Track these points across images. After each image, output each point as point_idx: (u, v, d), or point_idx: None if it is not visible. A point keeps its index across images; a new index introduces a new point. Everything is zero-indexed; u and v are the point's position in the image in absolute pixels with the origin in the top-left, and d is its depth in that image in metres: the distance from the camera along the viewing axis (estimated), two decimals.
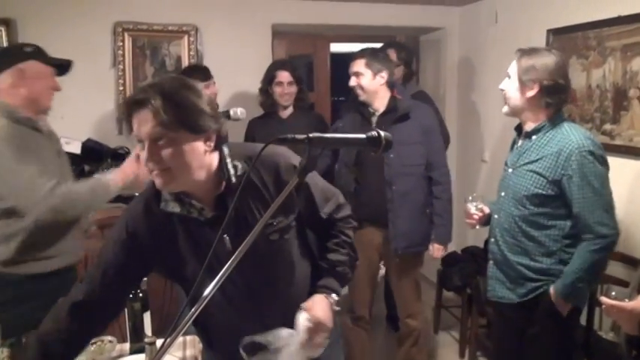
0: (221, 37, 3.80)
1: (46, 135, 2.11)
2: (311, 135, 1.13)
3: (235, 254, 1.06)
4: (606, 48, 2.82)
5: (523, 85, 2.03)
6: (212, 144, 1.34)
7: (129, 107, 1.27)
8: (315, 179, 1.52)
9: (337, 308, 1.49)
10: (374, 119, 2.75)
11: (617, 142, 2.76)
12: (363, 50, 2.79)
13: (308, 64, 4.67)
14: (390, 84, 2.76)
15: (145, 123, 1.25)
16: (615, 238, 2.00)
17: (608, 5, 2.79)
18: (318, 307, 1.43)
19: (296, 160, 1.43)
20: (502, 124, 3.69)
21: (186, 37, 3.76)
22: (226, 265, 1.05)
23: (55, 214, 1.93)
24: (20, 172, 1.87)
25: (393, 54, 3.48)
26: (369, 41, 4.07)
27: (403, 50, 3.69)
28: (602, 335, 1.71)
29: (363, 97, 2.73)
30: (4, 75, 1.99)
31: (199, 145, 1.31)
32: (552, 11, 3.22)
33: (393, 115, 2.71)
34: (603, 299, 1.53)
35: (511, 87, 2.07)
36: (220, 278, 1.05)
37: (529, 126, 2.09)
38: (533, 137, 2.07)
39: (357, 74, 2.71)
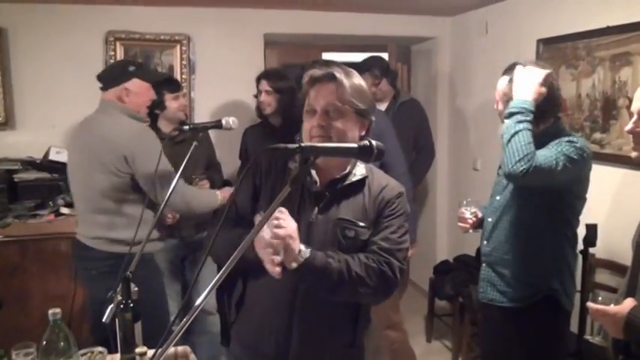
0: (213, 46, 3.81)
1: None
2: (303, 144, 1.13)
3: (239, 248, 1.08)
4: (595, 58, 2.85)
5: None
6: (363, 134, 1.53)
7: (315, 79, 1.51)
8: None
9: (298, 260, 1.41)
10: None
11: (607, 150, 2.78)
12: (327, 62, 2.79)
13: (300, 73, 4.68)
14: None
15: (327, 94, 1.49)
16: None
17: (597, 16, 2.82)
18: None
19: (401, 187, 1.62)
20: (494, 133, 3.71)
21: (178, 47, 3.77)
22: (229, 261, 1.07)
23: (185, 206, 2.41)
24: (155, 162, 2.08)
25: (368, 78, 3.46)
26: (360, 51, 4.11)
27: (378, 69, 3.64)
28: (589, 339, 1.74)
29: None
30: (110, 91, 2.40)
31: (356, 129, 1.52)
32: (542, 22, 3.26)
33: None
34: (589, 304, 1.56)
35: (501, 109, 2.10)
36: (215, 283, 1.06)
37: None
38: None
39: None
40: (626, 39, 2.66)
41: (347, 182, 1.56)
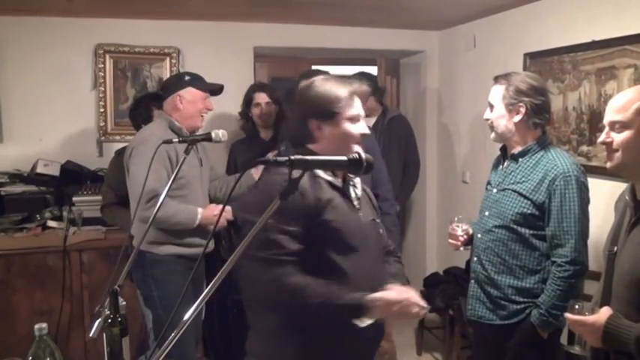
0: (203, 59, 3.80)
1: (195, 146, 2.48)
2: (292, 157, 1.13)
3: (234, 253, 1.10)
4: (581, 72, 2.89)
5: (510, 111, 2.06)
6: None
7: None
8: None
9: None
10: None
11: (594, 163, 2.81)
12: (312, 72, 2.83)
13: (290, 86, 4.70)
14: None
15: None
16: (585, 267, 2.04)
17: (583, 30, 2.86)
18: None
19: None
20: (482, 146, 3.74)
21: (168, 60, 3.77)
22: (225, 265, 1.08)
23: (145, 216, 2.32)
24: (142, 171, 2.19)
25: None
26: (350, 64, 4.13)
27: (367, 82, 3.62)
28: (569, 350, 1.75)
29: None
30: (169, 99, 2.57)
31: None
32: (529, 36, 3.30)
33: None
34: (567, 315, 1.59)
35: (496, 115, 2.09)
36: (209, 291, 1.04)
37: (516, 149, 2.12)
38: (520, 159, 2.10)
39: None
40: (610, 53, 2.70)
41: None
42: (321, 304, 1.49)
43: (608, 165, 1.65)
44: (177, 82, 2.60)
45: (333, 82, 1.67)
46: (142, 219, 2.36)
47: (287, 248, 1.50)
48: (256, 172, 2.84)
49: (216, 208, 2.58)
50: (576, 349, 1.70)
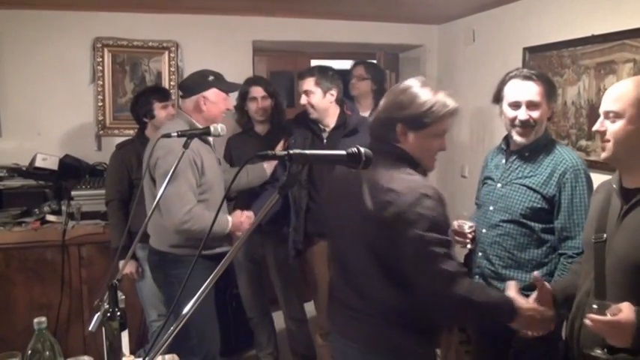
0: (202, 53, 3.80)
1: (212, 147, 2.59)
2: (291, 151, 1.13)
3: (228, 254, 1.12)
4: (580, 66, 2.89)
5: (548, 109, 2.09)
6: None
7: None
8: None
9: None
10: (324, 135, 2.82)
11: (592, 157, 2.81)
12: (312, 69, 2.84)
13: (289, 80, 4.70)
14: (340, 101, 2.81)
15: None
16: None
17: (582, 25, 2.86)
18: None
19: None
20: (481, 140, 3.74)
21: (166, 54, 3.76)
22: (223, 260, 1.12)
23: (183, 230, 2.37)
24: (175, 185, 2.24)
25: (361, 69, 3.74)
26: (349, 58, 4.13)
27: (372, 68, 3.84)
28: (592, 353, 1.64)
29: (314, 115, 2.79)
30: (190, 99, 2.52)
31: None
32: (528, 30, 3.29)
33: (343, 130, 2.77)
34: (592, 316, 1.48)
35: (543, 114, 2.07)
36: (200, 295, 1.05)
37: (521, 143, 2.11)
38: (527, 154, 2.10)
39: (308, 92, 2.76)
40: (610, 47, 2.69)
41: None
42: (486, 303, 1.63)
43: (602, 155, 1.65)
44: (202, 82, 2.54)
45: (431, 94, 1.65)
46: (179, 232, 2.39)
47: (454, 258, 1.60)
48: (269, 167, 2.85)
49: (242, 215, 2.58)
50: (598, 352, 1.61)
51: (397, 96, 1.69)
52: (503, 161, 2.20)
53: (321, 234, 2.80)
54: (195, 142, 2.29)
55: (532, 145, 2.09)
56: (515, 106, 2.08)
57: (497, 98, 2.16)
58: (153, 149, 2.29)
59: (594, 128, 1.67)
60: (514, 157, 2.15)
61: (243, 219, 2.55)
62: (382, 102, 1.75)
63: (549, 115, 2.11)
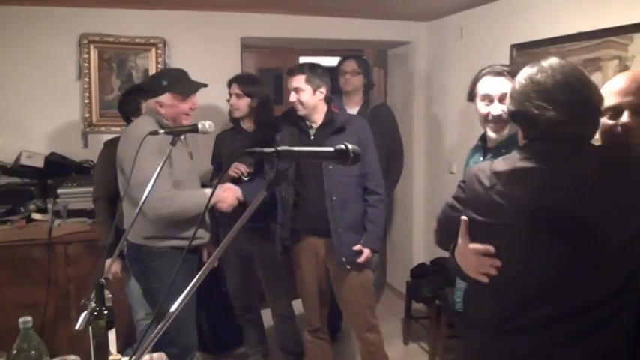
0: (189, 50, 3.78)
1: (182, 141, 2.51)
2: (279, 148, 1.13)
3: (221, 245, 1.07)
4: None
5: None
6: None
7: None
8: None
9: None
10: (312, 132, 2.80)
11: None
12: (302, 66, 2.81)
13: (277, 77, 4.68)
14: (328, 98, 2.81)
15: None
16: None
17: (569, 22, 2.88)
18: None
19: None
20: (469, 137, 3.75)
21: (153, 50, 3.73)
22: (211, 257, 1.04)
23: (161, 211, 2.38)
24: (149, 167, 2.15)
25: (353, 64, 3.74)
26: (337, 55, 4.12)
27: (363, 62, 3.87)
28: None
29: (302, 112, 2.77)
30: (149, 102, 2.55)
31: None
32: (516, 27, 3.31)
33: (330, 127, 2.75)
34: None
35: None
36: (188, 293, 1.04)
37: (496, 139, 2.12)
38: (503, 150, 2.11)
39: (297, 90, 2.73)
40: (596, 45, 2.72)
41: None
42: None
43: None
44: (155, 87, 2.51)
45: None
46: (158, 218, 2.39)
47: None
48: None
49: (227, 189, 2.61)
50: None
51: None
52: (481, 159, 2.21)
53: (310, 229, 2.80)
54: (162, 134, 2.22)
55: (507, 141, 2.08)
56: (488, 100, 2.09)
57: (471, 96, 2.17)
58: (117, 146, 2.34)
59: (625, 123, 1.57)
60: (490, 155, 2.15)
61: (227, 193, 2.58)
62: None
63: None
